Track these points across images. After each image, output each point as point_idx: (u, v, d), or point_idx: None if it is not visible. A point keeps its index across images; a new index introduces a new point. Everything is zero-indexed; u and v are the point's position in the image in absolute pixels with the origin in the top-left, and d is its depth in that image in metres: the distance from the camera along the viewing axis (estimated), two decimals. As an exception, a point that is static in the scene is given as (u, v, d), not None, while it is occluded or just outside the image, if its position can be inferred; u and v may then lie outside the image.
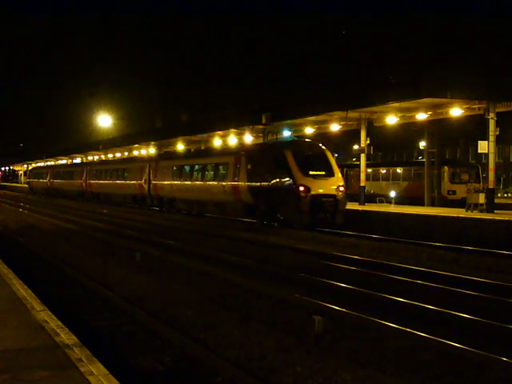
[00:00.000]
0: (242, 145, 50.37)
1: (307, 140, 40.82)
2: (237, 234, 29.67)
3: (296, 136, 57.98)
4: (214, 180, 39.71)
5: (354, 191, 49.45)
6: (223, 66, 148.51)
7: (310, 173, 31.27)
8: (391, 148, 71.10)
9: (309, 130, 47.08)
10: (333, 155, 35.18)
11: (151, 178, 50.25)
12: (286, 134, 50.45)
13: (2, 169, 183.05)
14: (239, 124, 49.37)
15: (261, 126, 46.94)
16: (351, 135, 53.93)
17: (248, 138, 52.26)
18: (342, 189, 31.28)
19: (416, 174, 49.35)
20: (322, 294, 14.37)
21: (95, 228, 33.26)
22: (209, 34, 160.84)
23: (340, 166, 54.14)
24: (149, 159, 56.51)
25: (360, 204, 39.35)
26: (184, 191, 44.38)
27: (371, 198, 44.37)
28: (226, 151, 46.03)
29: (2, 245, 24.30)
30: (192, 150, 62.05)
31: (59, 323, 9.54)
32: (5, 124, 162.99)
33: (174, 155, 57.58)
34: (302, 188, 30.32)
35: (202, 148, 57.66)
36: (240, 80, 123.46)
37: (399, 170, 52.24)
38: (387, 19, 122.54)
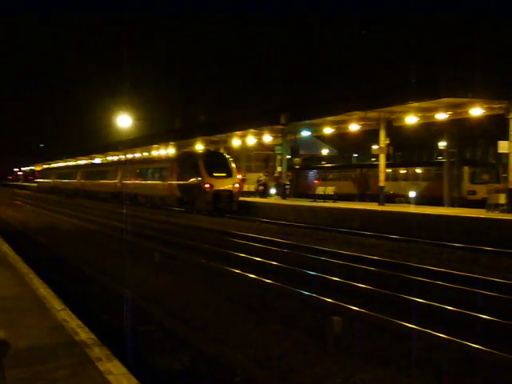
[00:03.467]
0: (176, 154, 64.79)
1: (215, 151, 56.90)
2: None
3: (315, 136, 59.01)
4: (159, 180, 52.74)
5: (373, 192, 49.20)
6: (243, 66, 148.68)
7: (214, 174, 44.10)
8: (411, 148, 70.77)
9: (328, 130, 47.01)
10: (234, 161, 47.98)
11: (122, 179, 62.64)
12: (305, 133, 50.46)
13: (23, 169, 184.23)
14: (258, 124, 49.46)
15: (279, 126, 47.01)
16: (370, 135, 53.79)
17: (267, 138, 52.45)
18: (236, 186, 44.62)
19: (436, 174, 49.04)
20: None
21: (114, 228, 33.40)
22: (228, 33, 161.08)
23: (359, 167, 54.70)
24: (121, 163, 70.49)
25: (379, 204, 39.08)
26: (142, 188, 57.18)
27: (390, 199, 44.09)
28: (166, 158, 60.70)
29: (23, 244, 24.42)
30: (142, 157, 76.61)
31: (79, 322, 9.58)
32: (26, 124, 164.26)
33: (137, 160, 72.57)
34: (207, 185, 43.29)
35: (221, 150, 58.79)
36: (259, 80, 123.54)
37: (419, 170, 51.95)
38: (407, 19, 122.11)
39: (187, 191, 46.30)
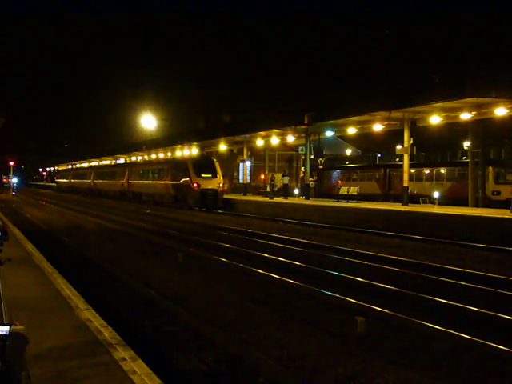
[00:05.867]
0: (171, 157, 73.22)
1: (203, 155, 63.66)
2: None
3: (338, 136, 59.40)
4: (158, 180, 59.44)
5: (397, 192, 48.98)
6: (266, 67, 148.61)
7: (202, 175, 50.56)
8: (435, 148, 70.49)
9: (351, 130, 46.80)
10: (219, 164, 55.01)
11: (129, 179, 69.28)
12: (329, 134, 50.33)
13: (47, 169, 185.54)
14: (282, 124, 49.39)
15: (303, 127, 46.91)
16: (394, 135, 53.59)
17: (290, 139, 52.49)
18: (221, 185, 51.05)
19: (460, 174, 48.74)
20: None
21: (139, 228, 33.57)
22: (252, 34, 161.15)
23: (382, 167, 54.62)
24: (127, 165, 79.58)
25: (403, 205, 38.76)
26: (145, 187, 63.63)
27: (414, 199, 43.79)
28: (163, 161, 70.22)
29: (47, 244, 24.56)
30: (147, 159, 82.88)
31: (103, 322, 9.61)
32: (50, 124, 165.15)
33: (141, 163, 79.90)
34: (195, 185, 49.87)
35: (245, 150, 59.22)
36: (282, 80, 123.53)
37: (443, 171, 51.66)
38: (431, 18, 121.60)
39: (179, 190, 53.01)
